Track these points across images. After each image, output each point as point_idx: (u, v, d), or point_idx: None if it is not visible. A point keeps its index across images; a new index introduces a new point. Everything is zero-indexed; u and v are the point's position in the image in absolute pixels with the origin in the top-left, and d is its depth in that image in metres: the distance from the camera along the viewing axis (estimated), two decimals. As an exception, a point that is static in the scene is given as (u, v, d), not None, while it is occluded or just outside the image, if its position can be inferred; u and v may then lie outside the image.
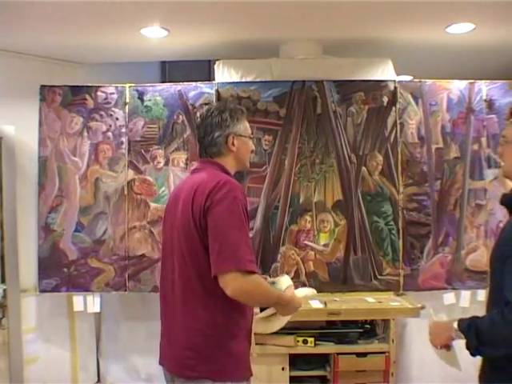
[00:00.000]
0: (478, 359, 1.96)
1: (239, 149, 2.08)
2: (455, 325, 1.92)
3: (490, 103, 3.77)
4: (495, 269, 1.93)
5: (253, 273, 1.82)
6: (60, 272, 3.67)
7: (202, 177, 1.99)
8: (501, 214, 3.63)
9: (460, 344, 1.95)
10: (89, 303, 3.72)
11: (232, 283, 1.79)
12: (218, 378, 1.88)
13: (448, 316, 3.63)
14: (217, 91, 3.70)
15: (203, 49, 4.01)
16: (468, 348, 1.87)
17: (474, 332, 1.84)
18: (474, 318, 1.92)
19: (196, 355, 1.89)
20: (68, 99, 3.74)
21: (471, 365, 2.03)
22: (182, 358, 1.92)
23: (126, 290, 3.69)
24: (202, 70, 4.48)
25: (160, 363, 2.07)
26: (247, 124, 2.14)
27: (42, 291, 3.69)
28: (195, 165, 2.24)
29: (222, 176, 1.96)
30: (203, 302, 1.89)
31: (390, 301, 3.54)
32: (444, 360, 2.08)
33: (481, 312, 1.97)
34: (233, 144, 2.06)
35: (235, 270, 1.79)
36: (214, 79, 3.81)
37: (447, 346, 2.01)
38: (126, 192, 3.71)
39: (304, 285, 3.65)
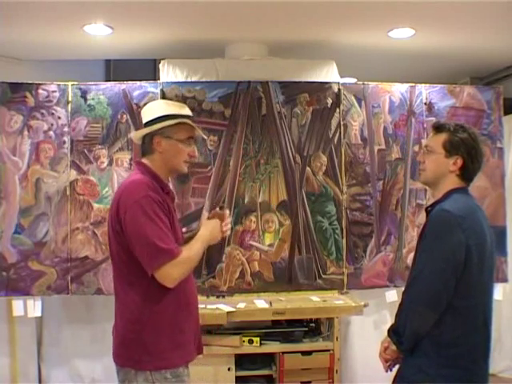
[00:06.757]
0: None
1: (167, 151, 2.06)
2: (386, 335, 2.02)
3: (429, 106, 3.89)
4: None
5: (172, 258, 1.92)
6: (-2, 276, 3.54)
7: (124, 181, 2.13)
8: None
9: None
10: (29, 307, 3.61)
11: (163, 278, 1.94)
12: (137, 367, 1.99)
13: (390, 313, 3.72)
14: (162, 91, 3.67)
15: (148, 48, 3.97)
16: (397, 347, 1.96)
17: (391, 330, 1.98)
18: None
19: (121, 345, 2.04)
20: (7, 96, 3.61)
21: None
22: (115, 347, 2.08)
23: (68, 293, 3.60)
24: (147, 69, 4.43)
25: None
26: (184, 127, 2.09)
27: (-21, 296, 3.56)
28: None
29: (135, 180, 2.02)
30: (126, 298, 2.02)
31: (334, 299, 3.59)
32: None
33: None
34: (159, 144, 2.06)
35: (159, 267, 1.92)
36: (159, 79, 3.77)
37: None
38: (68, 192, 3.62)
39: (249, 284, 3.67)
